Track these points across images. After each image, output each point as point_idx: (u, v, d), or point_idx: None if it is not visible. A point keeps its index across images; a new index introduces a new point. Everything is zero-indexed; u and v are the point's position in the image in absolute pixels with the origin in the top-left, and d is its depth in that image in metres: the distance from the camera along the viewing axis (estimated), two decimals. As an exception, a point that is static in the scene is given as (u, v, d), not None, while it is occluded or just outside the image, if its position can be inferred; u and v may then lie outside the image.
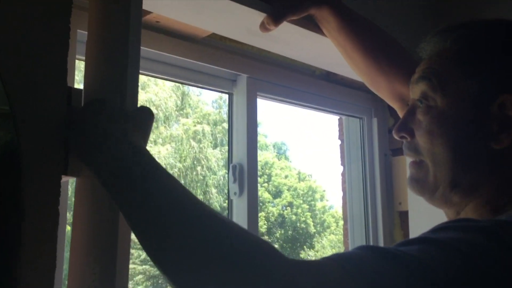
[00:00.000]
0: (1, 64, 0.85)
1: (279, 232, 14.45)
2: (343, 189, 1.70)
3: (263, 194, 13.93)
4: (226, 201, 1.41)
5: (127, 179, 0.67)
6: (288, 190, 15.15)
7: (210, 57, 1.31)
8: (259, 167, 1.37)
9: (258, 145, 1.38)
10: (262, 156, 14.76)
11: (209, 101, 14.24)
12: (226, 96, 1.42)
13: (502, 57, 0.72)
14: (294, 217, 14.69)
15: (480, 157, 0.72)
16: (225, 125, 13.12)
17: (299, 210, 14.90)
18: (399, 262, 0.54)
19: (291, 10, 1.06)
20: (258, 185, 1.37)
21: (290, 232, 14.56)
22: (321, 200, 15.55)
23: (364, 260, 0.55)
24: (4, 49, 0.86)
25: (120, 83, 0.90)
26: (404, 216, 1.60)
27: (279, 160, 16.01)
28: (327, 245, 14.35)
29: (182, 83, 1.40)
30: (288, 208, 14.76)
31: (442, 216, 0.95)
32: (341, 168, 1.73)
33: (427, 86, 0.76)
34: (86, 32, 1.00)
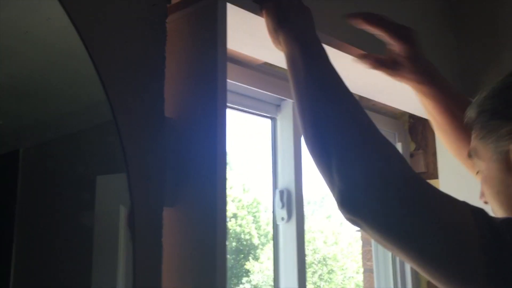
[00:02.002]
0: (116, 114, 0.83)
1: (223, 243, 14.35)
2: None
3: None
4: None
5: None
6: (233, 201, 15.13)
7: (256, 81, 1.31)
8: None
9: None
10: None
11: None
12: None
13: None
14: (238, 229, 14.67)
15: None
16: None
17: (244, 222, 14.90)
18: None
19: (388, 68, 1.03)
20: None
21: (234, 244, 14.52)
22: (266, 211, 15.64)
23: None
24: (111, 90, 0.84)
25: (210, 116, 0.88)
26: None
27: (223, 171, 15.93)
28: (272, 257, 14.40)
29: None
30: (233, 219, 14.72)
31: None
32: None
33: None
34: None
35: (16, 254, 0.71)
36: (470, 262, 0.61)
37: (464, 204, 0.66)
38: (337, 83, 0.78)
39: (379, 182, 0.66)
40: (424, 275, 0.67)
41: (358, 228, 0.71)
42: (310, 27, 0.87)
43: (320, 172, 0.73)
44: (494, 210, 0.83)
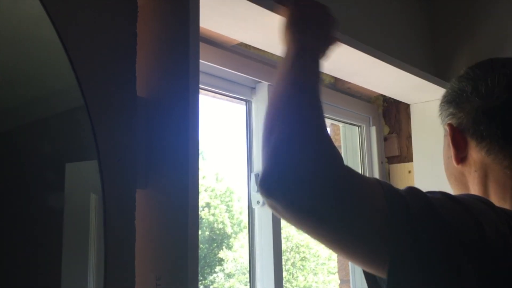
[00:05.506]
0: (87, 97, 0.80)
1: (196, 233, 14.35)
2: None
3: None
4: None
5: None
6: (206, 191, 15.09)
7: (231, 62, 1.29)
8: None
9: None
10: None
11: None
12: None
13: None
14: (211, 218, 14.65)
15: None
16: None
17: (217, 211, 14.88)
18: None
19: None
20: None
21: (207, 233, 14.50)
22: (239, 200, 15.66)
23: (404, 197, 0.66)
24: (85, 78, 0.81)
25: (183, 95, 0.87)
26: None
27: (196, 160, 15.86)
28: (245, 245, 14.48)
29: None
30: (206, 208, 14.69)
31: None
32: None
33: None
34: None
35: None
36: (377, 229, 0.64)
37: (375, 180, 0.70)
38: (313, 91, 0.77)
39: (311, 166, 0.67)
40: (336, 252, 0.71)
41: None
42: (319, 39, 0.88)
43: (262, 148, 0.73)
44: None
